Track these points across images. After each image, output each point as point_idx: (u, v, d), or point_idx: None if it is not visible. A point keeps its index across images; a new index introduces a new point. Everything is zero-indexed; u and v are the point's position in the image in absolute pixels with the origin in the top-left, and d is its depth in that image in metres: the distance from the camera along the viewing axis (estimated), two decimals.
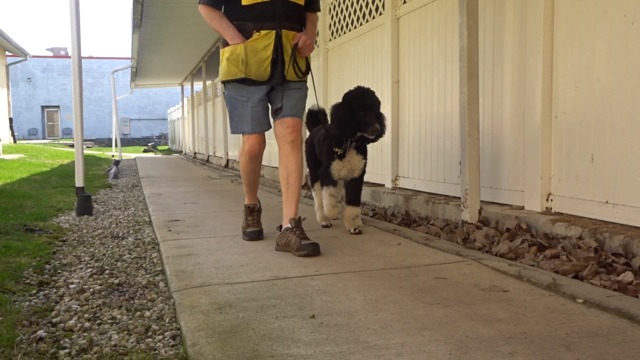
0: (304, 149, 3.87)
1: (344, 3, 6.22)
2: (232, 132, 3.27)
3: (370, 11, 5.56)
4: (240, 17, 3.05)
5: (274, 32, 3.00)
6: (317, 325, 1.89)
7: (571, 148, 3.20)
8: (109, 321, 2.14)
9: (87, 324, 2.10)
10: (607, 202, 2.97)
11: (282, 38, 3.04)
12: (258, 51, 3.02)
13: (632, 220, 2.81)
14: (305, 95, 3.31)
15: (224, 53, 3.12)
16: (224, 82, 3.21)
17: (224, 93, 3.34)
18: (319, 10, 3.32)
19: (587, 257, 2.65)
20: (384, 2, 5.22)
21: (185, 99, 22.57)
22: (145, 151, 27.69)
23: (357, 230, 3.55)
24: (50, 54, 44.02)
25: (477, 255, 2.89)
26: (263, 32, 3.00)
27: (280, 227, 3.24)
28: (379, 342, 1.73)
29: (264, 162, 10.29)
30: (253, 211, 3.54)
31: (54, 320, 2.15)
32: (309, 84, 3.38)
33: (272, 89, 3.21)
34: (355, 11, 5.93)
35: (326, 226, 3.86)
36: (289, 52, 3.07)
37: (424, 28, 4.61)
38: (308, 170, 4.06)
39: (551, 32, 3.29)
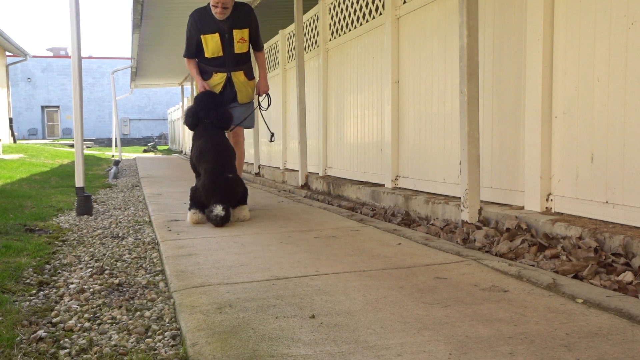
0: None
1: (343, 3, 6.21)
2: None
3: (370, 11, 5.56)
4: (205, 63, 4.71)
5: (225, 74, 4.68)
6: (317, 325, 1.89)
7: (571, 148, 3.20)
8: (109, 321, 2.14)
9: (87, 324, 2.10)
10: (607, 202, 2.97)
11: (232, 77, 4.70)
12: (214, 84, 4.72)
13: (632, 220, 2.81)
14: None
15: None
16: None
17: None
18: (262, 49, 4.85)
19: (587, 257, 2.65)
20: (384, 2, 5.22)
21: (185, 99, 22.57)
22: (145, 151, 27.69)
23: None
24: (50, 54, 44.03)
25: (477, 255, 2.90)
26: (219, 74, 4.68)
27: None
28: (379, 342, 1.73)
29: (263, 162, 10.28)
30: None
31: (54, 320, 2.15)
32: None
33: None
34: (355, 11, 5.93)
35: None
36: (239, 84, 4.71)
37: (424, 28, 4.61)
38: None
39: (551, 32, 3.29)
